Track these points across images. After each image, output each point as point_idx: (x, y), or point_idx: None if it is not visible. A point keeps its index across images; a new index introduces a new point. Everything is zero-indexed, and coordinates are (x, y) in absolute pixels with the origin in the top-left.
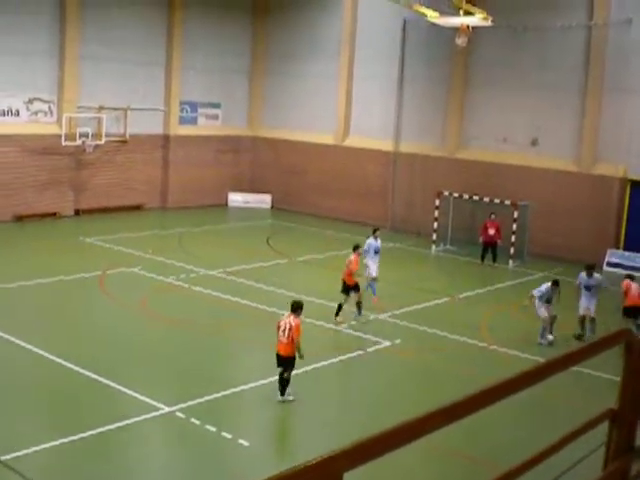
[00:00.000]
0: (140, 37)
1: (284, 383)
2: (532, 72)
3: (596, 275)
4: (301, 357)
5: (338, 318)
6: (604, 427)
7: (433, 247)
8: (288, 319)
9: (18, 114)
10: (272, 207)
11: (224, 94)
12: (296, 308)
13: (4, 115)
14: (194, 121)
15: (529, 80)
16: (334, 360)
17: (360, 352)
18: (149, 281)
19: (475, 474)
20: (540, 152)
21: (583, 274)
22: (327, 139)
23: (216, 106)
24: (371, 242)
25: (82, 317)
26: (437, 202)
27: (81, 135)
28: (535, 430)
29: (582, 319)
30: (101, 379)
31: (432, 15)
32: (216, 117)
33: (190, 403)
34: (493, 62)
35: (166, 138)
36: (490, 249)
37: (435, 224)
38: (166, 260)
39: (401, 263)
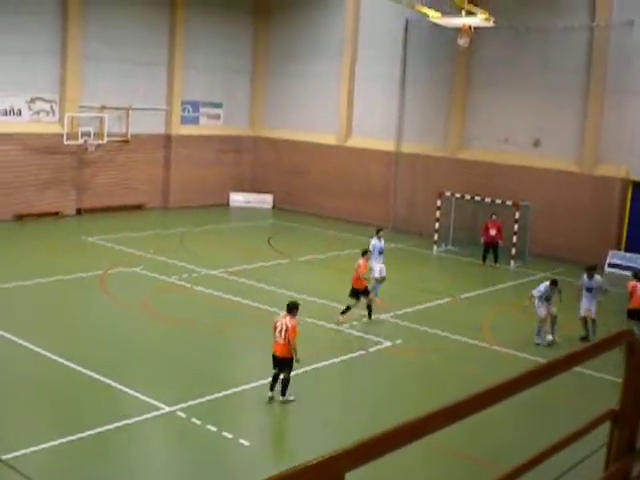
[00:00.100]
0: (142, 37)
1: (285, 383)
2: (534, 73)
3: (597, 277)
4: (297, 360)
5: (341, 317)
6: (605, 428)
7: (435, 247)
8: (284, 320)
9: (20, 113)
10: (273, 207)
11: (226, 94)
12: (292, 309)
13: (6, 114)
14: (196, 121)
15: (531, 81)
16: (335, 360)
17: (361, 352)
18: (150, 281)
19: (476, 474)
20: (542, 153)
21: (584, 275)
22: (329, 139)
23: (218, 106)
24: (375, 243)
25: (83, 317)
26: (439, 202)
27: (83, 134)
28: (536, 430)
29: (584, 320)
30: (102, 379)
31: (434, 15)
32: (218, 117)
33: (191, 403)
34: (495, 63)
35: (168, 138)
36: (491, 249)
37: (437, 224)
38: (168, 260)
39: (403, 263)
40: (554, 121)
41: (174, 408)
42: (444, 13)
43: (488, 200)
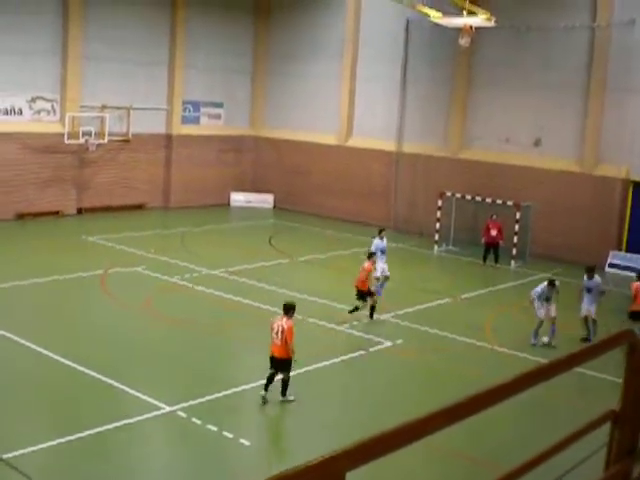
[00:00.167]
0: (143, 36)
1: (284, 384)
2: (535, 72)
3: (596, 277)
4: (295, 361)
5: (349, 316)
6: (606, 428)
7: (435, 247)
8: (281, 321)
9: (21, 113)
10: (274, 207)
11: (226, 94)
12: (288, 310)
13: (7, 114)
14: (197, 121)
15: (532, 80)
16: (336, 360)
17: (362, 352)
18: (151, 280)
19: (476, 475)
20: (543, 152)
21: (585, 276)
22: (330, 139)
23: (219, 106)
24: (377, 243)
25: (83, 316)
26: (440, 202)
27: (84, 134)
28: (537, 431)
29: (585, 321)
30: (102, 378)
31: (435, 15)
32: (218, 117)
33: (192, 403)
34: (496, 62)
35: (169, 137)
36: (492, 250)
37: (437, 224)
38: (168, 260)
39: (403, 263)
40: (555, 120)
41: (174, 408)
42: (445, 13)
43: (489, 200)
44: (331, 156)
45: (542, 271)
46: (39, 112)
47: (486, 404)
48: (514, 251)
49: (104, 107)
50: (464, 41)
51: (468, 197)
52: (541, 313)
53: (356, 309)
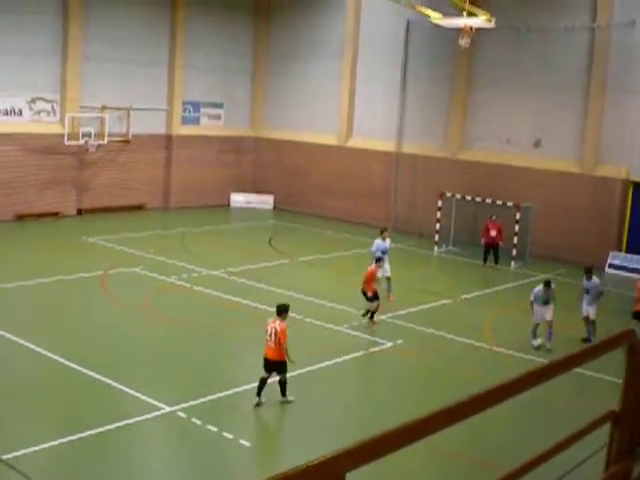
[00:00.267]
0: (142, 37)
1: (282, 385)
2: (535, 73)
3: (594, 278)
4: (291, 361)
5: (371, 322)
6: (606, 429)
7: (435, 248)
8: (274, 323)
9: (21, 113)
10: (274, 208)
11: (226, 94)
12: (281, 311)
13: (7, 114)
14: (196, 121)
15: (532, 81)
16: (336, 360)
17: (362, 353)
18: (151, 281)
19: (476, 475)
20: (543, 153)
21: (584, 277)
22: (330, 140)
23: (218, 106)
24: (379, 243)
25: (83, 317)
26: (440, 203)
27: (84, 135)
28: (537, 431)
29: (586, 321)
30: (102, 379)
31: (435, 16)
32: (218, 117)
33: (191, 403)
34: (496, 63)
35: (168, 138)
36: (492, 250)
37: (437, 225)
38: (168, 260)
39: (403, 264)
40: (555, 121)
41: (174, 408)
42: (445, 14)
43: (489, 201)
44: (331, 156)
45: (542, 272)
46: (39, 113)
47: (487, 404)
48: (514, 252)
49: (104, 108)
50: (464, 42)
51: (468, 198)
52: (537, 316)
53: (368, 312)
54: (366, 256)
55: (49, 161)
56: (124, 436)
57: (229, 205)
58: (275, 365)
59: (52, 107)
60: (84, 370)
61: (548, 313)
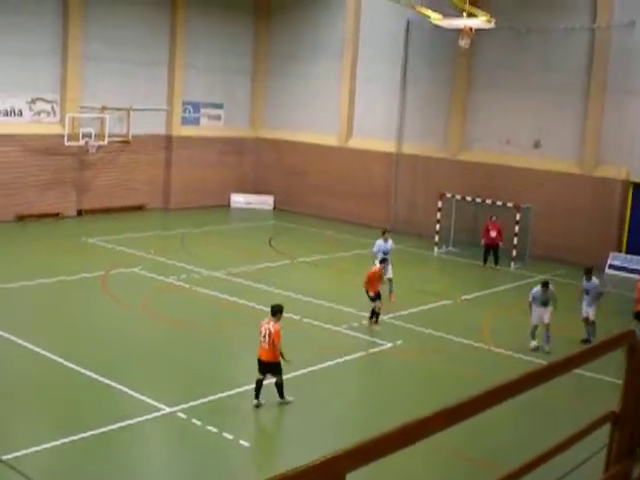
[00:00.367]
0: (142, 37)
1: (279, 387)
2: (535, 74)
3: (594, 279)
4: (287, 362)
5: (375, 326)
6: (606, 429)
7: (435, 249)
8: (268, 324)
9: (21, 114)
10: (274, 208)
11: (226, 95)
12: (275, 312)
13: (7, 115)
14: (197, 122)
15: (532, 82)
16: (336, 361)
17: (361, 353)
18: (151, 281)
19: (476, 476)
20: (543, 154)
21: (584, 278)
22: (330, 140)
23: (218, 107)
24: (380, 243)
25: (84, 317)
26: (439, 204)
27: (84, 135)
28: (537, 432)
29: (586, 322)
30: (103, 379)
31: (435, 17)
32: (219, 118)
33: (192, 404)
34: (496, 64)
35: (169, 139)
36: (492, 251)
37: (437, 226)
38: (168, 261)
39: (403, 265)
40: (555, 122)
41: (175, 409)
42: (445, 14)
43: (489, 202)
44: (331, 157)
45: (542, 273)
46: (39, 113)
47: (487, 405)
48: (514, 253)
49: (104, 108)
50: (464, 42)
51: (468, 198)
52: (535, 318)
53: (373, 313)
54: (366, 257)
55: (49, 162)
56: (124, 437)
57: (229, 206)
58: (269, 366)
59: (52, 108)
60: (84, 370)
61: (546, 315)
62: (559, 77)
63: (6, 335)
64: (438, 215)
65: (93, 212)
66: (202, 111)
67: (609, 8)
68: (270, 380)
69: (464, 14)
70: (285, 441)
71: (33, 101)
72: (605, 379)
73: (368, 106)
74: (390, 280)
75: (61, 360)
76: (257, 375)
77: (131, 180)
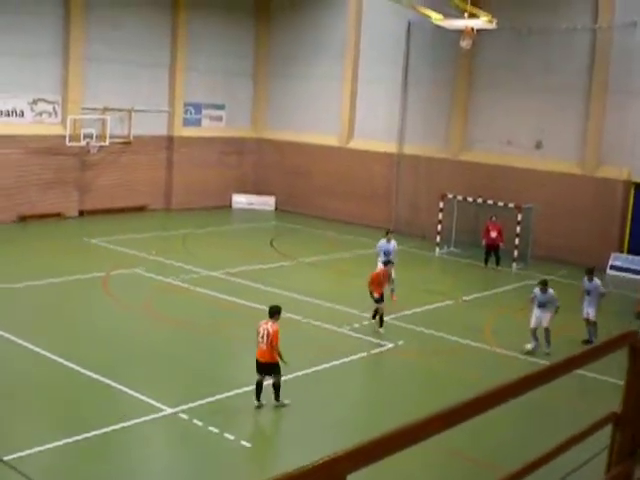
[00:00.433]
0: (144, 38)
1: (276, 388)
2: (536, 75)
3: (595, 280)
4: (285, 363)
5: (380, 330)
6: (607, 430)
7: (437, 249)
8: (266, 325)
9: (22, 115)
10: (276, 209)
11: (228, 96)
12: (274, 313)
13: (8, 116)
14: (198, 122)
15: (533, 83)
16: (337, 362)
17: (363, 354)
18: (152, 282)
19: (477, 476)
20: (544, 155)
21: (585, 278)
22: (331, 141)
23: (220, 107)
24: (381, 244)
25: (85, 318)
26: (441, 204)
27: (85, 136)
28: (538, 433)
29: (587, 323)
30: (104, 380)
31: (437, 17)
32: (220, 119)
33: (193, 404)
34: (497, 65)
35: (170, 139)
36: (493, 252)
37: (439, 226)
38: (170, 261)
39: (405, 265)
40: (556, 123)
41: (176, 410)
42: (446, 15)
43: (490, 202)
44: (333, 158)
45: (544, 273)
46: (40, 114)
47: (489, 406)
48: (515, 253)
49: (105, 109)
50: (465, 43)
51: (469, 199)
52: (533, 320)
53: (376, 314)
54: (368, 257)
55: (51, 162)
56: (126, 437)
57: (231, 206)
58: (267, 367)
59: (54, 108)
60: (85, 371)
61: (545, 320)
62: (560, 78)
63: (7, 335)
64: (440, 216)
65: (94, 213)
66: (204, 112)
67: (610, 8)
68: (269, 381)
69: (465, 15)
70: (286, 442)
71: (35, 102)
72: (607, 380)
73: (369, 107)
74: (392, 280)
75: (62, 360)
76: (257, 376)
77: (132, 181)
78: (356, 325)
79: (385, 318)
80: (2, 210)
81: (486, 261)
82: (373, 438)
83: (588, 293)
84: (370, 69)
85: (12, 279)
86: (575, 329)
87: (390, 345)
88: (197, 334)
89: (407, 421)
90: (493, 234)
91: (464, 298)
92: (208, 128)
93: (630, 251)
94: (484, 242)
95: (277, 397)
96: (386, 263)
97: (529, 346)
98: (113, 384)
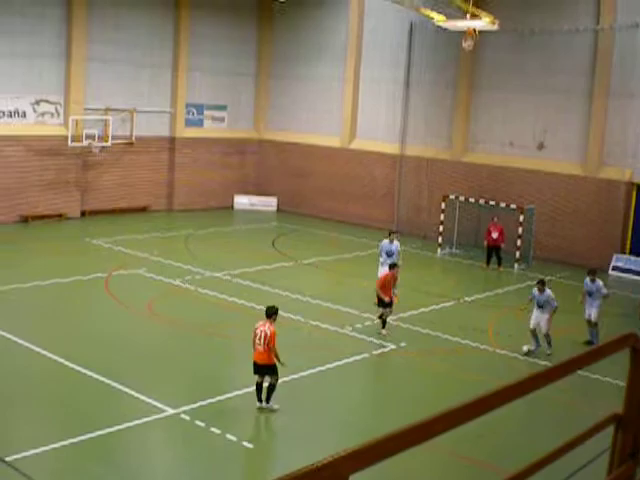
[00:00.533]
0: (146, 39)
1: (270, 390)
2: (538, 76)
3: (597, 281)
4: (283, 365)
5: (383, 331)
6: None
7: (439, 250)
8: (263, 326)
9: (25, 116)
10: (278, 210)
11: (230, 96)
12: (271, 314)
13: (11, 116)
14: (200, 123)
15: (535, 84)
16: (339, 363)
17: (365, 355)
18: (154, 283)
19: (479, 477)
20: (546, 156)
21: (587, 279)
22: (333, 142)
23: (222, 108)
24: (384, 245)
25: (87, 319)
26: (443, 205)
27: (87, 137)
28: (540, 434)
29: (588, 324)
30: (106, 381)
31: (439, 19)
32: (222, 119)
33: (195, 405)
34: (499, 66)
35: (172, 140)
36: (494, 252)
37: (441, 227)
38: (172, 262)
39: (407, 266)
40: (558, 124)
41: (178, 411)
42: (449, 16)
43: (492, 203)
44: (335, 159)
45: (546, 274)
46: (43, 115)
47: (491, 407)
48: (517, 254)
49: (108, 110)
50: (467, 44)
51: (471, 200)
52: (533, 320)
53: (382, 316)
54: (370, 258)
55: (53, 163)
56: (128, 438)
57: (233, 207)
58: (264, 369)
59: (56, 109)
60: (87, 372)
61: (543, 322)
62: (562, 79)
63: (8, 336)
64: (442, 217)
65: (96, 213)
66: (206, 113)
67: (612, 10)
68: (266, 382)
69: (467, 16)
70: (288, 443)
71: (37, 102)
72: (609, 381)
73: (372, 108)
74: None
75: (64, 362)
76: (256, 378)
77: (134, 181)
78: (358, 326)
79: (387, 319)
80: (4, 210)
81: (488, 262)
82: (376, 438)
83: (590, 294)
84: (372, 70)
85: (13, 280)
86: (577, 330)
87: (392, 346)
88: (199, 335)
89: (410, 421)
90: (494, 235)
91: (467, 299)
92: (210, 129)
93: (632, 252)
94: (485, 243)
95: (268, 400)
96: (392, 266)
97: (526, 348)
98: (115, 385)
